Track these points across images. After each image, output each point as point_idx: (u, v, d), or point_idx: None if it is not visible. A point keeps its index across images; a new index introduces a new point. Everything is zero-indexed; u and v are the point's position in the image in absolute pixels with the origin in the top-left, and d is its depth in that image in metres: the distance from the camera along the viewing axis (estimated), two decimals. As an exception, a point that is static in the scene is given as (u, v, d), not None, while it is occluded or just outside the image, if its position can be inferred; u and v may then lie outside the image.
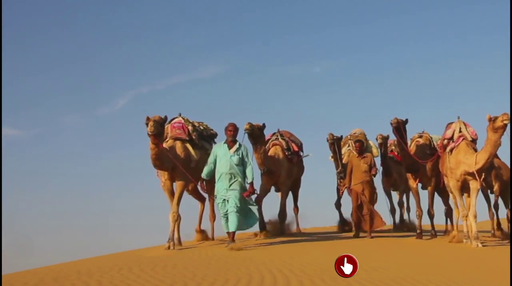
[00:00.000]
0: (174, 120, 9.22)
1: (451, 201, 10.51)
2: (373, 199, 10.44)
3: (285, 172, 10.27)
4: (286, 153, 10.45)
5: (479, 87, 27.82)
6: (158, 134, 8.06)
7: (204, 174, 8.47)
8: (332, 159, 11.36)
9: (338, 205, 11.82)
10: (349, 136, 11.70)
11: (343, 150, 11.49)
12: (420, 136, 10.83)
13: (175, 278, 5.53)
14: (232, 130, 8.43)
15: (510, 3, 19.63)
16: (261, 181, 10.02)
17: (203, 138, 9.38)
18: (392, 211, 12.06)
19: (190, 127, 9.13)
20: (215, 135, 9.71)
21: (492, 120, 8.57)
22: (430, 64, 30.25)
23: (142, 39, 29.03)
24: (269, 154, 10.13)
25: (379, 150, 11.09)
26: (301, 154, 11.14)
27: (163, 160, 8.33)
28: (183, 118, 9.30)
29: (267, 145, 10.29)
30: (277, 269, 6.09)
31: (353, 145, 10.83)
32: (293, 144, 10.69)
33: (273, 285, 5.18)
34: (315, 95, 29.08)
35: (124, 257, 7.62)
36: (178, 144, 8.85)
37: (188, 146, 8.96)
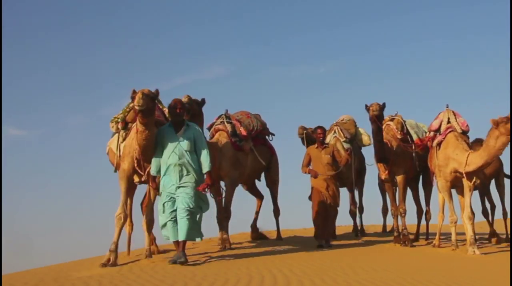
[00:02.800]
0: None
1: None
2: (337, 198, 8.82)
3: (227, 161, 8.36)
4: (232, 139, 8.59)
5: (482, 87, 27.85)
6: (148, 111, 6.35)
7: (153, 170, 6.69)
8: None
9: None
10: (335, 123, 10.52)
11: (328, 137, 10.13)
12: (391, 119, 9.68)
13: (175, 278, 5.53)
14: (179, 108, 6.71)
15: (510, 3, 19.60)
16: None
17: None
18: (384, 211, 11.31)
19: (166, 110, 7.39)
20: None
21: (505, 122, 7.39)
22: (436, 63, 30.29)
23: (146, 39, 29.11)
24: (212, 140, 8.41)
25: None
26: (269, 137, 9.51)
27: (153, 148, 6.70)
28: None
29: (211, 131, 8.78)
30: (277, 269, 6.09)
31: (316, 131, 9.02)
32: (241, 128, 8.75)
33: (273, 285, 5.18)
34: (319, 96, 29.05)
35: (124, 257, 7.61)
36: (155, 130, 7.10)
37: None
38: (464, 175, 7.97)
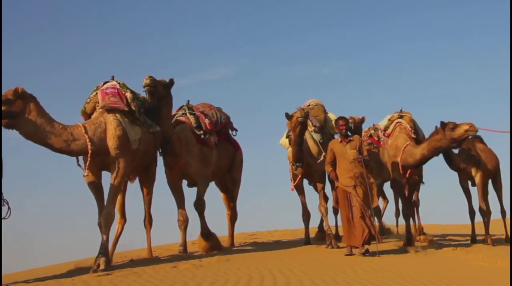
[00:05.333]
0: (107, 85, 6.84)
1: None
2: (368, 199, 7.51)
3: (195, 159, 7.73)
4: (197, 133, 7.94)
5: (482, 87, 27.90)
6: None
7: None
8: (290, 146, 8.46)
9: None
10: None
11: None
12: (401, 117, 8.87)
13: (175, 278, 5.53)
14: None
15: (510, 3, 19.61)
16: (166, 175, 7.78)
17: (144, 112, 7.03)
18: (397, 212, 11.03)
19: (128, 95, 6.77)
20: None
21: None
22: (438, 63, 30.38)
23: (150, 41, 29.26)
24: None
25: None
26: (232, 133, 8.86)
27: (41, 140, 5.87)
28: (119, 83, 6.88)
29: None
30: (277, 269, 6.09)
31: (335, 123, 8.04)
32: (206, 120, 8.11)
33: (273, 285, 5.18)
34: (323, 97, 29.13)
35: (124, 256, 7.62)
36: (110, 117, 6.48)
37: (126, 120, 6.63)
38: None
